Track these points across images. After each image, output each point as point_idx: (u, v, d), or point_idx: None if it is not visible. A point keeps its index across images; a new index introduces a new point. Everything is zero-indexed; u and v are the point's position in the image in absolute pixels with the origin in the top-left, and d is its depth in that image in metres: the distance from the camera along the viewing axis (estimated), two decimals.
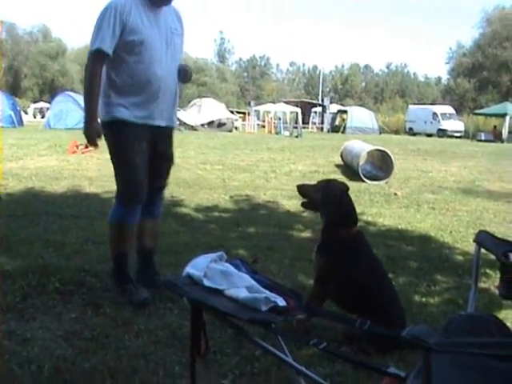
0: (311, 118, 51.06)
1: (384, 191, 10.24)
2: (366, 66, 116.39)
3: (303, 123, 44.31)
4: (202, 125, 35.96)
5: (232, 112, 44.49)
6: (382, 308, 3.30)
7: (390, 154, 12.05)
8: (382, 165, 12.58)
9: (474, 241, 2.71)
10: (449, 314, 3.82)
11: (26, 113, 51.20)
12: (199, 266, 2.26)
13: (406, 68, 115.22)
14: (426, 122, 47.65)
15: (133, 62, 4.01)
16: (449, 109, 49.63)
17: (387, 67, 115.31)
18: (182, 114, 34.05)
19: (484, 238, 2.63)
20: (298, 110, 47.61)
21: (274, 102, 58.54)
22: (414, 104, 62.72)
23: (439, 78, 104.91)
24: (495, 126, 42.29)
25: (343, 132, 41.28)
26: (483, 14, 68.39)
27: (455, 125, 46.49)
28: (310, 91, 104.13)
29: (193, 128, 35.17)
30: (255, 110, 48.71)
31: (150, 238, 4.53)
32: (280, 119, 41.64)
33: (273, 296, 2.12)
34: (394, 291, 3.57)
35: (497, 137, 39.75)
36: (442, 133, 45.10)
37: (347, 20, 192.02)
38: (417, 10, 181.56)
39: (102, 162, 13.35)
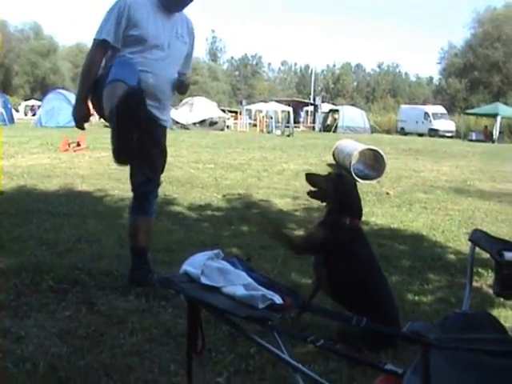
0: (300, 117, 50.99)
1: (376, 190, 10.28)
2: (358, 66, 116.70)
3: (295, 122, 44.33)
4: (194, 123, 35.97)
5: (224, 111, 44.52)
6: (377, 304, 3.31)
7: (382, 153, 12.09)
8: (373, 164, 12.61)
9: (469, 239, 2.73)
10: (441, 313, 3.84)
11: (17, 110, 51.01)
12: (196, 264, 2.27)
13: (397, 68, 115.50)
14: (417, 122, 47.79)
15: (129, 53, 4.09)
16: (440, 109, 49.81)
17: (379, 67, 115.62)
18: (174, 113, 33.98)
19: (479, 237, 2.65)
20: (290, 109, 47.65)
21: (265, 101, 58.54)
22: (406, 104, 62.94)
23: (431, 78, 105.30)
24: (486, 126, 42.50)
25: (335, 131, 41.36)
26: (474, 15, 68.83)
27: (446, 125, 46.66)
28: (302, 90, 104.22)
29: (184, 127, 35.15)
30: (247, 109, 48.70)
31: (145, 237, 4.54)
32: (272, 118, 41.67)
33: (270, 293, 2.13)
34: (389, 288, 3.59)
35: (488, 137, 39.95)
36: (433, 132, 45.26)
37: (339, 19, 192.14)
38: (409, 9, 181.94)
39: (93, 161, 13.36)
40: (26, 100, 62.52)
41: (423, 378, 1.40)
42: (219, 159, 15.08)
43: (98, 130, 20.97)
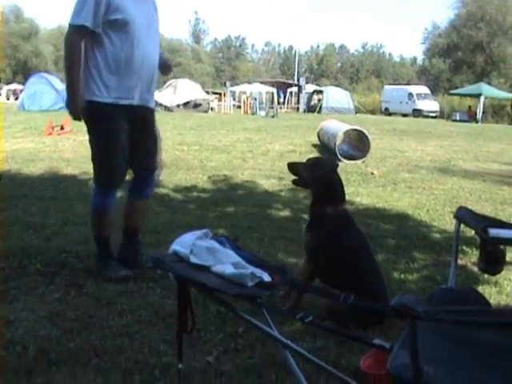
0: (281, 98, 50.63)
1: (361, 170, 10.32)
2: (342, 46, 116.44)
3: (279, 103, 44.22)
4: (178, 105, 35.73)
5: (208, 92, 44.28)
6: (366, 285, 3.35)
7: (366, 133, 12.11)
8: (358, 144, 12.63)
9: (454, 217, 2.77)
10: (427, 290, 3.89)
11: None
12: (185, 243, 2.28)
13: (381, 48, 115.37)
14: (401, 102, 47.80)
15: (116, 41, 3.98)
16: (424, 89, 49.83)
17: (363, 47, 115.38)
18: (158, 95, 33.70)
19: (464, 214, 2.69)
20: (274, 90, 47.49)
21: (249, 83, 58.32)
22: (390, 84, 62.85)
23: (414, 59, 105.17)
24: (470, 107, 42.62)
25: (319, 112, 41.28)
26: None
27: (430, 105, 46.73)
28: (286, 71, 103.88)
29: (168, 109, 34.94)
30: (231, 91, 48.44)
31: (138, 218, 4.57)
32: (256, 99, 41.54)
33: (258, 272, 2.15)
34: (378, 269, 3.63)
35: (471, 117, 40.09)
36: (417, 113, 45.31)
37: (322, 0, 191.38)
38: None
39: (77, 144, 13.27)
40: (7, 84, 61.76)
41: (411, 351, 1.44)
42: (204, 141, 15.04)
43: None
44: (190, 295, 2.27)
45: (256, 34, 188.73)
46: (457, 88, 52.11)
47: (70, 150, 12.11)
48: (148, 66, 4.16)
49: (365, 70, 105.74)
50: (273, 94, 45.78)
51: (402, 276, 4.46)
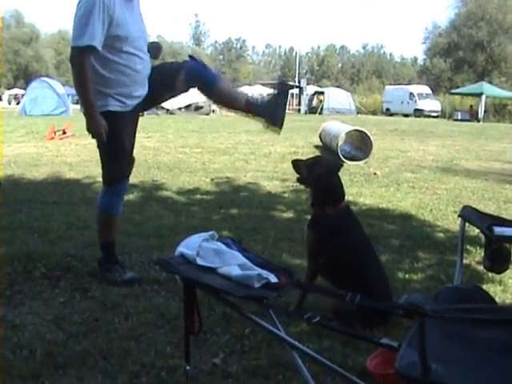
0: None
1: (364, 171, 10.31)
2: (342, 47, 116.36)
3: None
4: (179, 108, 35.79)
5: None
6: (370, 285, 3.35)
7: (368, 134, 12.11)
8: (360, 145, 12.63)
9: (459, 216, 2.77)
10: (432, 290, 3.88)
11: (1, 99, 50.62)
12: (192, 246, 2.29)
13: (382, 49, 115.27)
14: (402, 103, 47.80)
15: (118, 55, 3.94)
16: (425, 89, 49.82)
17: (363, 48, 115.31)
18: None
19: (468, 213, 2.70)
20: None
21: (250, 85, 58.32)
22: (391, 84, 62.89)
23: (415, 59, 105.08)
24: (471, 106, 42.60)
25: (320, 113, 41.31)
26: None
27: (432, 105, 46.71)
28: (287, 73, 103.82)
29: (170, 112, 34.99)
30: None
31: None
32: None
33: (265, 273, 2.16)
34: (381, 267, 3.63)
35: (473, 116, 40.07)
36: (418, 113, 45.29)
37: (323, 1, 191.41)
38: None
39: (80, 148, 13.29)
40: (9, 89, 61.98)
41: (419, 350, 1.44)
42: (206, 143, 15.05)
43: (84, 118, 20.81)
44: (197, 297, 2.28)
45: (256, 36, 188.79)
46: (458, 87, 52.02)
47: (72, 155, 12.12)
48: (146, 73, 4.17)
49: (366, 71, 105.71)
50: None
51: (407, 276, 4.46)
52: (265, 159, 12.11)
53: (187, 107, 36.21)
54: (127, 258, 4.64)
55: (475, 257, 4.93)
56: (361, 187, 8.48)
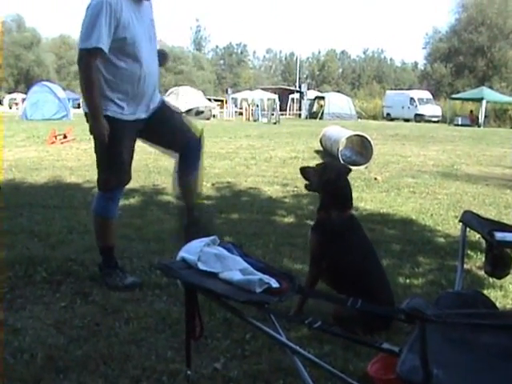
0: (278, 105, 50.57)
1: (364, 176, 10.32)
2: (343, 52, 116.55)
3: (281, 110, 44.27)
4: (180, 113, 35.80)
5: (210, 100, 44.35)
6: (372, 290, 3.35)
7: (369, 139, 12.12)
8: (361, 150, 12.64)
9: (460, 221, 2.77)
10: (433, 295, 3.89)
11: (1, 104, 50.70)
12: (193, 250, 2.30)
13: (382, 53, 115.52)
14: (403, 107, 47.85)
15: (123, 59, 3.97)
16: (426, 94, 49.89)
17: (364, 53, 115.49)
18: None
19: (469, 218, 2.70)
20: (276, 96, 47.56)
21: (251, 89, 58.47)
22: (391, 89, 62.98)
23: (416, 64, 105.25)
24: (472, 111, 42.65)
25: (321, 118, 41.35)
26: (459, 0, 68.72)
27: (432, 109, 46.76)
28: (287, 78, 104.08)
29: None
30: (233, 98, 48.53)
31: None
32: (258, 106, 41.61)
33: (266, 278, 2.16)
34: (384, 274, 3.63)
35: (473, 121, 40.10)
36: (419, 118, 45.33)
37: (324, 6, 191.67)
38: None
39: (81, 152, 13.31)
40: (10, 93, 62.03)
41: (420, 354, 1.44)
42: (206, 148, 14.80)
43: (85, 122, 20.84)
44: (198, 302, 2.29)
45: (257, 41, 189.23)
46: (458, 92, 52.08)
47: (73, 159, 12.14)
48: (151, 81, 4.18)
49: (366, 76, 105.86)
50: (274, 100, 45.79)
51: (408, 281, 4.46)
52: (265, 164, 12.12)
53: (188, 112, 36.16)
54: (128, 263, 4.64)
55: (476, 262, 4.93)
56: (361, 192, 8.48)
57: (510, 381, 1.48)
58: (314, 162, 10.48)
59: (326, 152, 13.67)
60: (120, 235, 5.07)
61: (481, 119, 39.73)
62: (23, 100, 38.75)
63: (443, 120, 43.95)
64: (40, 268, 4.44)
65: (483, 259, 4.17)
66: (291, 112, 50.20)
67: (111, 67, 3.97)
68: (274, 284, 2.15)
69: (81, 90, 4.02)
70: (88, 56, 3.85)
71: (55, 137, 15.81)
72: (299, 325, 3.19)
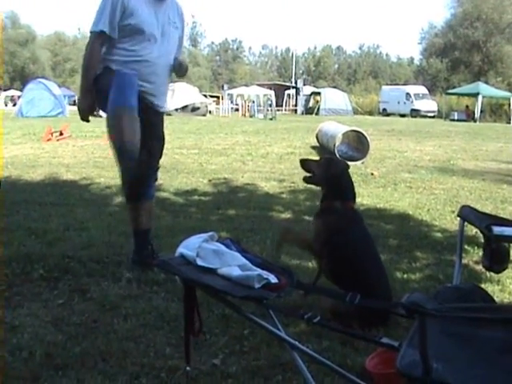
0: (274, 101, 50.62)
1: (361, 171, 10.33)
2: (339, 48, 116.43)
3: (277, 106, 44.24)
4: (176, 109, 35.74)
5: (205, 96, 44.32)
6: (370, 285, 3.35)
7: (365, 134, 12.13)
8: (357, 145, 12.65)
9: (458, 215, 2.78)
10: (430, 290, 3.89)
11: None
12: (191, 246, 2.30)
13: (378, 49, 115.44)
14: (399, 103, 47.87)
15: (128, 44, 4.19)
16: (422, 89, 49.92)
17: (360, 48, 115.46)
18: None
19: (467, 213, 2.70)
20: (272, 92, 47.54)
21: (247, 85, 58.38)
22: (387, 85, 62.98)
23: (411, 59, 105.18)
24: (467, 106, 42.70)
25: (317, 114, 41.38)
26: None
27: (428, 105, 46.80)
28: (283, 74, 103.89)
29: (166, 113, 34.96)
30: (228, 94, 48.51)
31: (147, 219, 4.63)
32: (254, 102, 41.59)
33: (265, 273, 2.16)
34: (383, 270, 3.64)
35: (469, 116, 40.18)
36: (415, 113, 45.37)
37: (319, 1, 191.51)
38: None
39: (77, 149, 13.30)
40: (5, 90, 61.84)
41: (420, 349, 1.44)
42: (203, 144, 15.06)
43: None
44: (197, 298, 2.28)
45: (253, 37, 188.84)
46: (454, 87, 52.15)
47: (69, 156, 12.11)
48: (158, 72, 4.32)
49: (362, 71, 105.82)
50: (270, 96, 45.76)
51: (405, 276, 4.47)
52: (262, 160, 12.12)
53: (184, 108, 36.20)
54: (125, 259, 4.63)
55: (473, 256, 4.94)
56: (358, 187, 8.40)
57: (510, 374, 1.48)
58: (311, 157, 10.49)
59: (323, 148, 13.67)
60: (118, 232, 5.08)
61: (477, 114, 39.79)
62: (18, 97, 38.67)
63: (439, 115, 44.02)
64: (37, 265, 4.43)
65: (480, 254, 4.19)
66: (287, 108, 50.18)
67: (116, 53, 4.22)
68: (273, 280, 2.15)
69: (81, 70, 4.34)
70: (94, 38, 4.20)
71: (51, 134, 15.79)
72: (298, 320, 3.20)
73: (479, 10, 63.88)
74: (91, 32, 4.23)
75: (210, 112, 39.68)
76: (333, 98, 43.98)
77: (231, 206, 7.05)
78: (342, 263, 3.51)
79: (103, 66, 4.23)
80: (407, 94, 47.71)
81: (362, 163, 11.50)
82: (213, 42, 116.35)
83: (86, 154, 12.23)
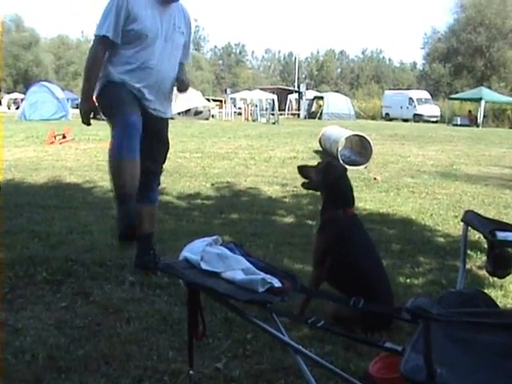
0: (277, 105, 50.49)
1: (364, 176, 10.33)
2: (342, 52, 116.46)
3: (280, 110, 44.23)
4: (179, 113, 35.71)
5: (208, 100, 44.33)
6: (372, 290, 3.35)
7: (368, 139, 12.13)
8: (360, 150, 12.65)
9: (462, 220, 2.78)
10: (433, 294, 3.90)
11: (0, 104, 50.63)
12: (195, 250, 2.30)
13: (381, 53, 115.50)
14: (402, 107, 47.80)
15: (131, 49, 4.19)
16: (424, 94, 49.85)
17: (362, 53, 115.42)
18: None
19: (471, 218, 2.70)
20: (275, 96, 47.56)
21: (250, 90, 58.45)
22: (390, 89, 62.94)
23: (414, 64, 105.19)
24: (470, 111, 42.62)
25: (320, 118, 41.34)
26: (457, 0, 68.69)
27: (431, 110, 46.72)
28: (286, 78, 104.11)
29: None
30: (231, 98, 48.52)
31: (149, 223, 4.61)
32: (256, 106, 41.59)
33: (268, 277, 2.16)
34: (385, 275, 3.64)
35: (472, 121, 40.08)
36: (418, 118, 45.27)
37: (322, 6, 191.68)
38: None
39: (80, 152, 13.31)
40: (8, 93, 61.91)
41: (424, 353, 1.44)
42: (206, 148, 15.06)
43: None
44: (201, 301, 2.29)
45: (256, 41, 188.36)
46: (457, 92, 52.06)
47: (72, 159, 12.13)
48: (162, 77, 4.30)
49: (365, 76, 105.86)
50: (273, 100, 45.78)
51: (408, 281, 4.47)
52: (265, 164, 12.13)
53: (187, 112, 36.19)
54: (129, 263, 4.64)
55: (476, 261, 4.94)
56: (361, 192, 8.49)
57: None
58: (314, 161, 10.47)
59: (326, 152, 13.67)
60: None
61: (479, 119, 39.71)
62: (22, 100, 38.69)
63: (442, 120, 43.93)
64: (40, 268, 4.44)
65: (483, 259, 4.19)
66: (290, 112, 50.18)
67: (120, 58, 4.21)
68: (277, 284, 2.15)
69: (83, 73, 4.34)
70: (97, 42, 4.22)
71: (54, 137, 15.81)
72: (302, 324, 3.20)
73: (482, 15, 63.84)
74: (95, 35, 4.26)
75: (212, 116, 39.69)
76: (335, 102, 43.95)
77: (234, 209, 7.05)
78: (344, 268, 3.51)
79: (107, 79, 4.22)
80: (410, 98, 47.65)
81: (365, 168, 11.50)
82: (216, 46, 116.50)
83: (89, 157, 12.25)
